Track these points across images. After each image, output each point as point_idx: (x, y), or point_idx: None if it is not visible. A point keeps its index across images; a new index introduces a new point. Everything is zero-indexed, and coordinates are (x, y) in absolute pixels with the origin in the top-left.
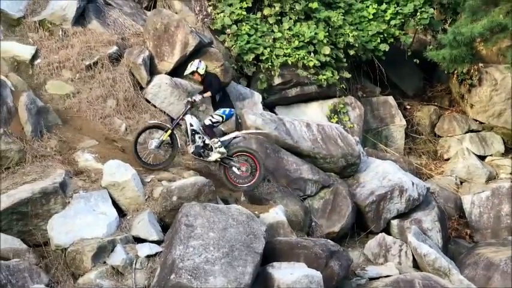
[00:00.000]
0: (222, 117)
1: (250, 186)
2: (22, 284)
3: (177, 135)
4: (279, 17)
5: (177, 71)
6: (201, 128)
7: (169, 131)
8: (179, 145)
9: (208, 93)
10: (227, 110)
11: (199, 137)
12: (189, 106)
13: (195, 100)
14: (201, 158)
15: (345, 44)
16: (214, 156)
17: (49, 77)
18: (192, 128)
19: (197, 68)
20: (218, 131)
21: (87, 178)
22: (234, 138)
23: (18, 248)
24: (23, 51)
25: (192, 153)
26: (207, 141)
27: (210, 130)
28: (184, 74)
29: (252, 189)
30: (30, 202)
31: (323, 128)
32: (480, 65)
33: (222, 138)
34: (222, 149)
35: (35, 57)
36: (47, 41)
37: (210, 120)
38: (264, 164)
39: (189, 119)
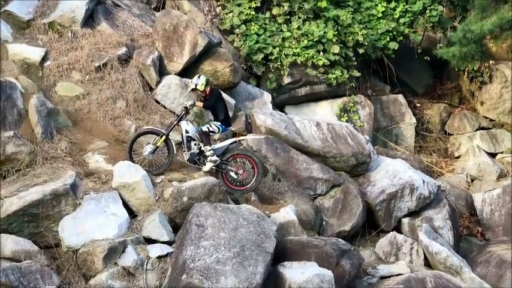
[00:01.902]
0: (219, 129)
1: (251, 187)
2: (34, 286)
3: (172, 140)
4: (288, 17)
5: (186, 72)
6: (197, 133)
7: (164, 137)
8: (175, 150)
9: (200, 104)
10: (224, 126)
11: (195, 144)
12: (183, 112)
13: (187, 106)
14: (197, 165)
15: (354, 43)
16: (208, 166)
17: (59, 79)
18: (187, 134)
19: (196, 85)
20: (227, 132)
21: (98, 179)
22: (231, 144)
23: (29, 249)
24: (33, 53)
25: (187, 160)
26: (202, 148)
27: (205, 137)
28: (187, 91)
29: (252, 190)
30: (41, 204)
31: (333, 127)
32: (490, 62)
33: (217, 145)
34: (214, 158)
35: (44, 59)
36: (57, 42)
37: (208, 128)
38: (262, 163)
39: (185, 125)
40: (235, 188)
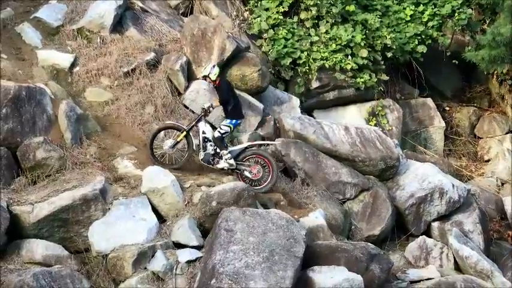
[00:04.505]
0: (230, 127)
1: (265, 187)
2: None
3: (192, 137)
4: (316, 21)
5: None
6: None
7: (185, 132)
8: (194, 147)
9: (216, 102)
10: (234, 120)
11: (211, 145)
12: (202, 113)
13: (205, 107)
14: (211, 165)
15: (383, 47)
16: (222, 164)
17: (88, 85)
18: (204, 135)
19: (209, 73)
20: (256, 136)
21: (127, 184)
22: (246, 148)
23: (60, 254)
24: (62, 59)
25: (201, 160)
26: (218, 150)
27: (219, 142)
28: (198, 76)
29: (268, 190)
30: (71, 209)
31: (361, 131)
32: None
33: (232, 148)
34: (232, 161)
35: (73, 65)
36: (85, 48)
37: (219, 132)
38: (278, 164)
39: (202, 126)
40: (252, 187)
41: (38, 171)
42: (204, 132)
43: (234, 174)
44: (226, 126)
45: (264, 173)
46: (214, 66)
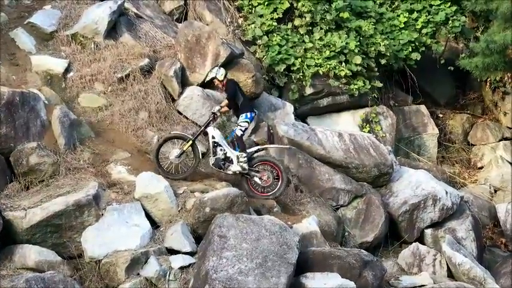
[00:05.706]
0: (247, 122)
1: (274, 195)
2: None
3: (198, 146)
4: (310, 27)
5: (208, 83)
6: (233, 138)
7: (191, 142)
8: (200, 156)
9: (225, 102)
10: (248, 114)
11: (221, 149)
12: (211, 118)
13: (214, 111)
14: (222, 170)
15: (376, 53)
16: (234, 168)
17: (81, 90)
18: (213, 140)
19: (216, 75)
20: (250, 142)
21: (120, 190)
22: (257, 151)
23: (52, 260)
24: (56, 64)
25: (212, 164)
26: (228, 154)
27: (241, 141)
28: (205, 81)
29: (276, 197)
30: (64, 214)
31: (355, 137)
32: None
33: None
34: (245, 165)
35: (67, 70)
36: (79, 54)
37: (240, 129)
38: (287, 172)
39: (212, 131)
40: (258, 193)
41: (31, 177)
42: (213, 137)
43: (243, 180)
44: (244, 122)
45: (274, 179)
46: (219, 67)
